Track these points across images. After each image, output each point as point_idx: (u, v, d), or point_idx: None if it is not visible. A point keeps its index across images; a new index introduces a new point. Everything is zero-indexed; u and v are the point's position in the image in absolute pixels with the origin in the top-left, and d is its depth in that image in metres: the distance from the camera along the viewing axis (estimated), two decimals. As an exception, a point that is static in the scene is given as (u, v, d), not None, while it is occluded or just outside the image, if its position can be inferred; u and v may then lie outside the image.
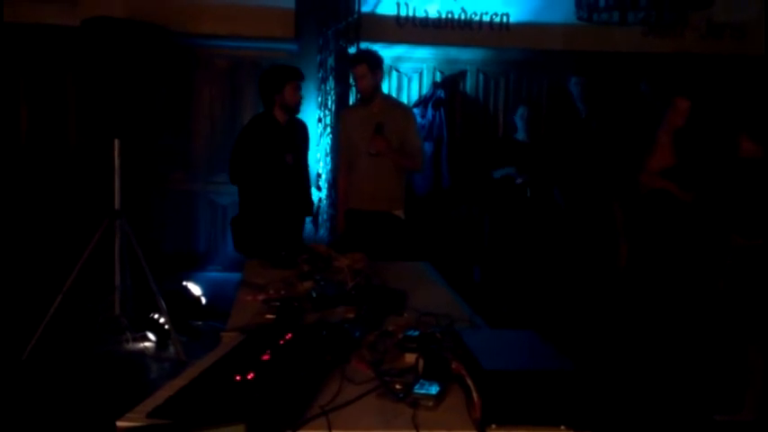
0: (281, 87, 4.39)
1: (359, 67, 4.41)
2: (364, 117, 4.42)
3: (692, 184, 4.32)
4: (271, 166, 4.38)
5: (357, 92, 4.69)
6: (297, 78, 4.46)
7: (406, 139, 4.43)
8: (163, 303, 4.79)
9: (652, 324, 4.50)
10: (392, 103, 4.67)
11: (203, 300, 5.60)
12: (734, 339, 3.95)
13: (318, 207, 5.91)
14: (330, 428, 1.55)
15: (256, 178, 4.40)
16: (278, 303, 2.56)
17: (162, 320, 4.89)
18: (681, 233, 4.36)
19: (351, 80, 5.31)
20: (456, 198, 6.37)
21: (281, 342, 1.99)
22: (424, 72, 6.40)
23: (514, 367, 1.71)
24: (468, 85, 6.48)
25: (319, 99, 6.04)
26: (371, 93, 4.43)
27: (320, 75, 6.02)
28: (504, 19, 6.27)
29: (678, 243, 4.37)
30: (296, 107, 4.54)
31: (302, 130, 4.69)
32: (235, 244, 4.68)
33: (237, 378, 1.70)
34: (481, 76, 6.48)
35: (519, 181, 5.73)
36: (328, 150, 5.80)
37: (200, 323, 5.33)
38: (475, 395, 1.65)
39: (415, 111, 6.20)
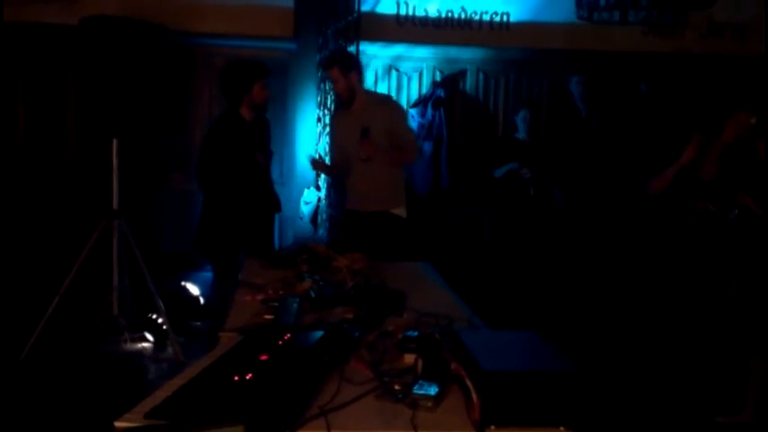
0: (249, 86, 4.27)
1: (331, 70, 4.26)
2: (349, 120, 4.29)
3: (730, 199, 4.18)
4: (243, 166, 4.33)
5: (334, 96, 4.54)
6: (264, 76, 4.33)
7: (396, 132, 4.25)
8: (161, 304, 4.78)
9: (653, 325, 4.49)
10: (374, 100, 4.48)
11: (201, 300, 5.59)
12: (735, 340, 3.94)
13: (317, 207, 5.91)
14: (329, 429, 1.55)
15: (227, 180, 4.33)
16: (276, 304, 2.55)
17: (160, 321, 4.88)
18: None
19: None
20: (456, 198, 6.37)
21: (280, 342, 1.98)
22: (424, 71, 6.40)
23: (514, 368, 1.70)
24: (468, 84, 6.48)
25: (318, 98, 6.03)
26: (348, 95, 4.27)
27: (319, 74, 6.01)
28: (505, 18, 6.27)
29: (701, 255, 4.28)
30: (264, 105, 4.44)
31: (267, 127, 4.60)
32: (198, 246, 4.60)
33: (236, 378, 1.69)
34: (481, 76, 6.48)
35: (527, 176, 5.69)
36: (327, 150, 5.79)
37: (198, 323, 5.32)
38: (474, 396, 1.64)
39: (415, 110, 6.21)
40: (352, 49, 5.38)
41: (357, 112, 4.27)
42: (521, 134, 5.88)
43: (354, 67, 4.30)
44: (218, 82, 4.50)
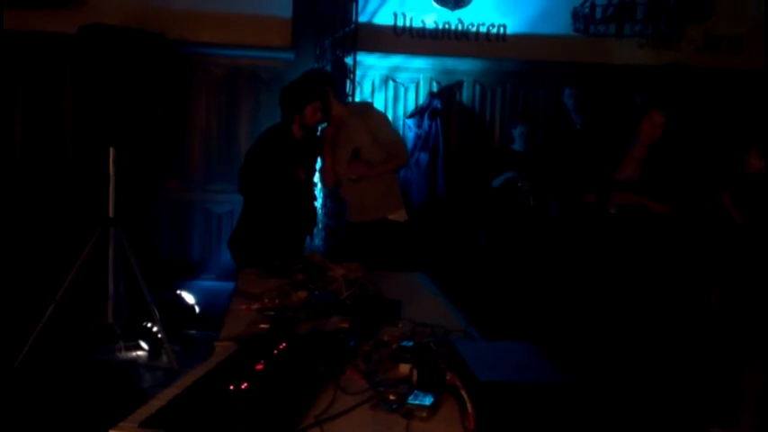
0: (301, 108, 4.25)
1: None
2: (336, 137, 4.31)
3: (662, 197, 4.33)
4: (282, 181, 4.33)
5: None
6: (319, 99, 4.29)
7: (381, 139, 4.23)
8: (156, 312, 4.76)
9: (649, 336, 4.49)
10: (353, 111, 4.44)
11: (197, 308, 5.58)
12: (731, 351, 3.95)
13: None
14: (324, 439, 1.55)
15: (265, 191, 4.34)
16: (272, 313, 2.54)
17: (155, 329, 4.87)
18: (660, 246, 4.36)
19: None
20: (452, 208, 6.37)
21: (275, 352, 1.98)
22: (421, 82, 6.42)
23: (509, 379, 1.70)
24: (465, 95, 6.50)
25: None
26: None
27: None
28: (501, 30, 6.31)
29: (660, 257, 4.37)
30: (315, 127, 4.44)
31: (316, 145, 4.56)
32: (232, 252, 4.60)
33: (231, 388, 1.69)
34: (477, 87, 6.50)
35: (525, 187, 5.69)
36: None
37: (193, 332, 5.31)
38: (469, 406, 1.64)
39: (411, 121, 6.23)
40: (349, 59, 5.39)
41: (338, 126, 4.28)
42: (517, 146, 5.90)
43: (326, 83, 4.31)
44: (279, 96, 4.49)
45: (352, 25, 5.36)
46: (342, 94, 4.97)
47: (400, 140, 4.48)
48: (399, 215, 4.34)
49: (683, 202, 4.31)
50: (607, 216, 4.55)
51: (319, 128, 4.58)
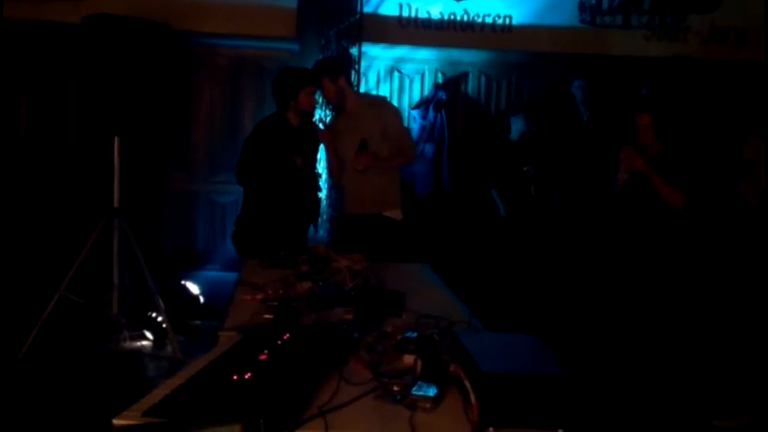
0: (296, 93, 4.25)
1: (322, 81, 4.27)
2: (343, 124, 4.31)
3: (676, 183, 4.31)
4: (281, 169, 4.32)
5: (326, 105, 4.50)
6: (312, 83, 4.32)
7: (391, 133, 4.23)
8: (161, 302, 4.78)
9: (651, 327, 4.49)
10: (367, 101, 4.46)
11: (201, 299, 5.59)
12: (734, 342, 3.95)
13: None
14: (327, 429, 1.55)
15: (265, 181, 4.33)
16: (276, 303, 2.55)
17: (160, 319, 4.88)
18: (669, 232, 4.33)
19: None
20: (456, 200, 6.37)
21: (279, 342, 1.99)
22: (426, 73, 6.41)
23: (513, 370, 1.71)
24: (470, 86, 6.48)
25: (320, 99, 6.03)
26: (338, 100, 4.29)
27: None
28: (507, 21, 6.28)
29: (670, 244, 4.35)
30: (311, 112, 4.45)
31: (313, 133, 4.57)
32: (236, 246, 4.60)
33: (235, 377, 1.69)
34: (483, 78, 6.49)
35: (528, 171, 5.70)
36: (323, 154, 5.78)
37: (198, 322, 5.32)
38: (473, 398, 1.64)
39: (417, 112, 6.22)
40: (354, 50, 5.38)
41: (350, 115, 4.27)
42: (513, 135, 5.90)
43: (342, 71, 4.32)
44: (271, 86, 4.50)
45: (357, 16, 5.35)
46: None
47: (410, 138, 4.49)
48: (395, 214, 4.35)
49: (698, 193, 4.26)
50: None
51: (316, 117, 4.57)
